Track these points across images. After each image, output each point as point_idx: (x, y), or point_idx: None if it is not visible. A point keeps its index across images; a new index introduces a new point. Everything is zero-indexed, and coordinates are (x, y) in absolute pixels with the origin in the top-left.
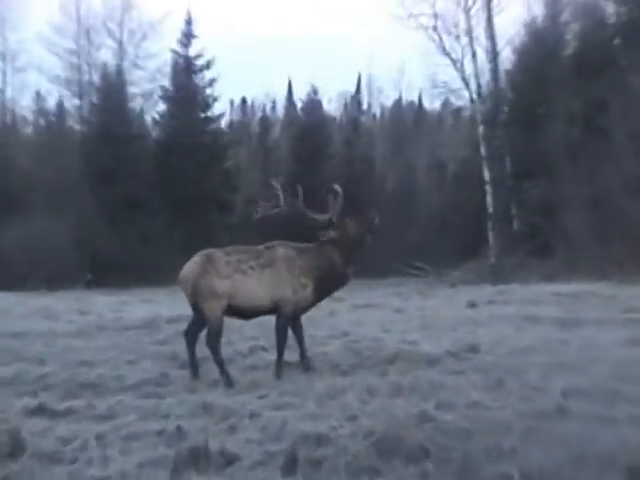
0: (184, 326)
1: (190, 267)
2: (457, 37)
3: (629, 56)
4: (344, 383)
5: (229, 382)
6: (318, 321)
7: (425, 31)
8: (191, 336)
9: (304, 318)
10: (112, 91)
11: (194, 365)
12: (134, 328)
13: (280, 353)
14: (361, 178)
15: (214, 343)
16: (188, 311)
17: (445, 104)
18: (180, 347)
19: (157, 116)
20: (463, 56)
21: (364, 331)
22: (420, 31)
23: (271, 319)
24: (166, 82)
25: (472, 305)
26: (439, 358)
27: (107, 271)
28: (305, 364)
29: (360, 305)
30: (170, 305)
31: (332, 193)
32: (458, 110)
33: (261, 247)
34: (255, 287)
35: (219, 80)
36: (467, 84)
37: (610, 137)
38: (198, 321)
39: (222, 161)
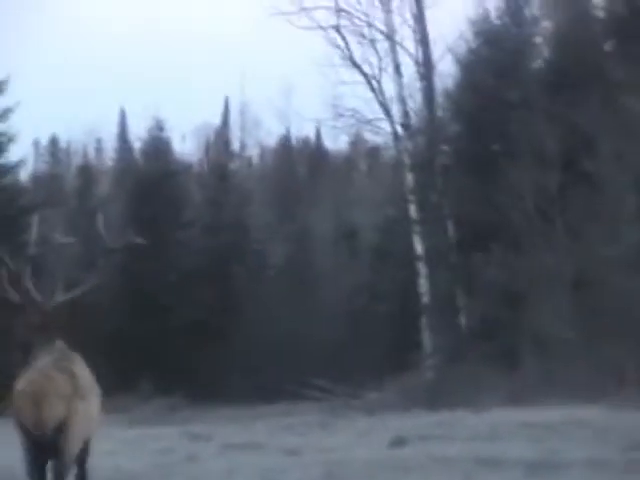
0: None
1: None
2: (372, 42)
3: (625, 67)
4: None
5: None
6: (170, 469)
7: (324, 33)
8: None
9: (151, 465)
10: None
11: None
12: None
13: None
14: (230, 254)
15: None
16: None
17: (355, 142)
18: None
19: None
20: (381, 70)
21: None
22: (316, 34)
23: None
24: None
25: (399, 442)
26: None
27: None
28: None
29: (234, 445)
30: None
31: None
32: (375, 150)
33: None
34: None
35: (17, 112)
36: (387, 111)
37: (600, 187)
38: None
39: (22, 232)
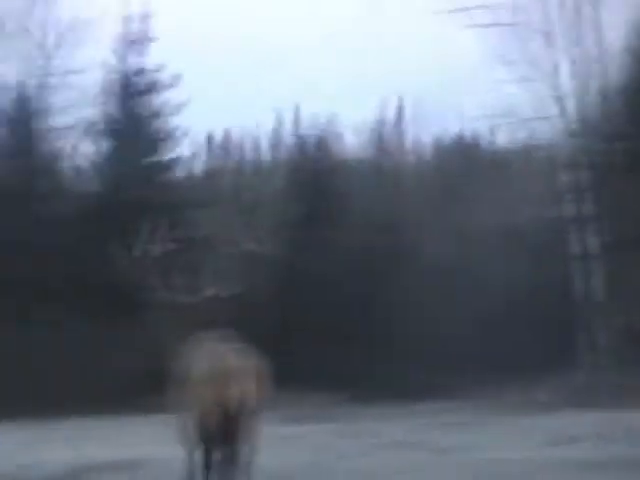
0: (125, 476)
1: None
2: (540, 37)
3: None
4: None
5: None
6: (325, 468)
7: (487, 31)
8: None
9: (302, 465)
10: (14, 124)
11: None
12: None
13: None
14: (389, 251)
15: None
16: (130, 454)
17: (513, 140)
18: None
19: (81, 161)
20: (544, 67)
21: None
22: (479, 31)
23: None
24: (96, 110)
25: (554, 443)
26: None
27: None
28: None
29: (386, 443)
30: (102, 446)
31: None
32: (533, 148)
33: None
34: None
35: (191, 105)
36: (547, 109)
37: None
38: None
39: (180, 229)
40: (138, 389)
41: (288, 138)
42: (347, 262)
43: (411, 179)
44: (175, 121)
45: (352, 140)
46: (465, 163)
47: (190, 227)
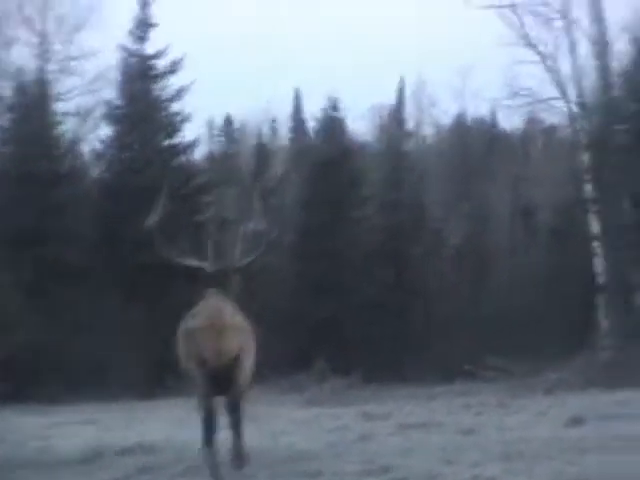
0: (143, 459)
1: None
2: (547, 20)
3: None
4: None
5: None
6: (344, 448)
7: (499, 12)
8: None
9: (325, 444)
10: (30, 109)
11: None
12: (70, 463)
13: None
14: (408, 232)
15: None
16: (148, 437)
17: (531, 121)
18: None
19: (98, 145)
20: (556, 49)
21: (415, 463)
22: (491, 13)
23: None
24: (112, 94)
25: (577, 422)
26: None
27: (29, 377)
28: None
29: (409, 424)
30: (123, 429)
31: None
32: (551, 129)
33: None
34: None
35: (192, 91)
36: (563, 91)
37: None
38: None
39: (196, 212)
40: (160, 373)
41: (301, 122)
42: (367, 243)
43: (431, 161)
44: (187, 104)
45: (360, 124)
46: (484, 144)
47: (206, 208)
